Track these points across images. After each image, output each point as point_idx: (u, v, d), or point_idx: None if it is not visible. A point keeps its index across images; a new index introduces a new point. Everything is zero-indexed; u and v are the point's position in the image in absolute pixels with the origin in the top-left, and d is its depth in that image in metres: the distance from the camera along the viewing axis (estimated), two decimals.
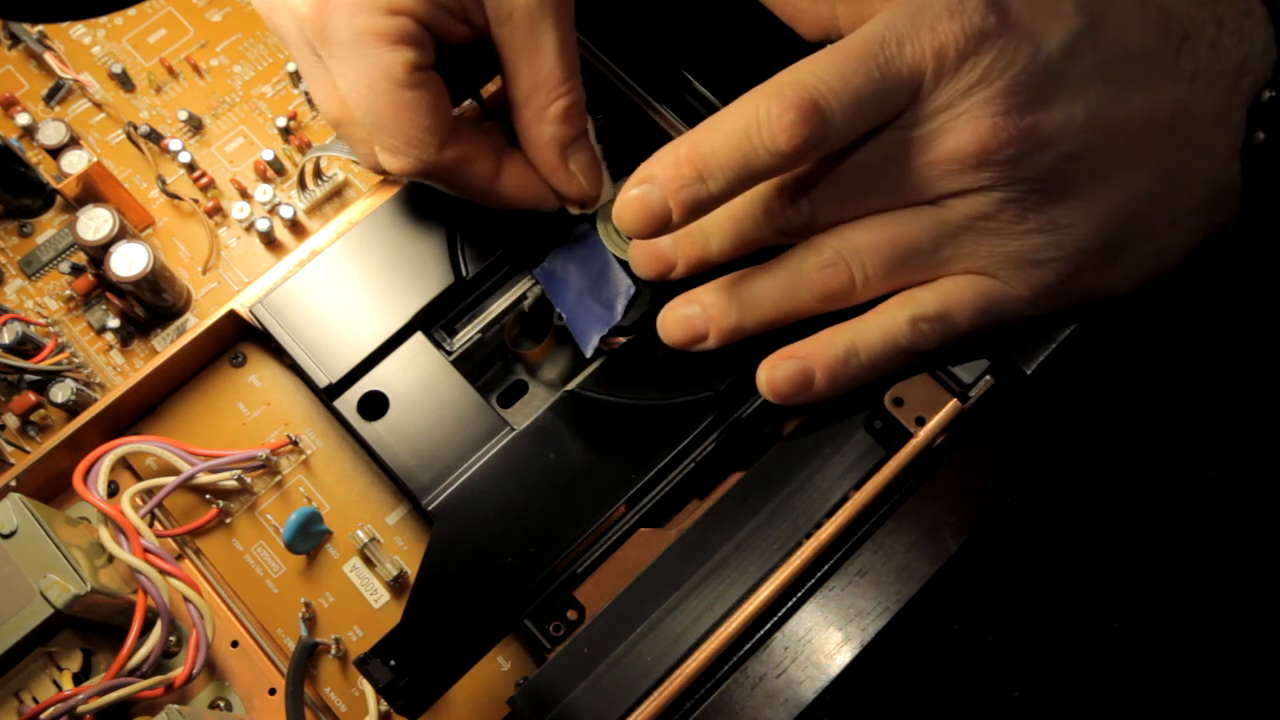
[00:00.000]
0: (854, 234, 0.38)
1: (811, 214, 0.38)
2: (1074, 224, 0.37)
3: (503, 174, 0.41)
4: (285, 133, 0.54)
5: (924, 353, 0.39)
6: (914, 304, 0.38)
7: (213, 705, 0.43)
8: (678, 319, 0.40)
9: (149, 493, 0.44)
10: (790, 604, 0.39)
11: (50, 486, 0.45)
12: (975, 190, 0.37)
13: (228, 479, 0.45)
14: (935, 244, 0.38)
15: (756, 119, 0.35)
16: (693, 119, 0.45)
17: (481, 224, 0.45)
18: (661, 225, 0.37)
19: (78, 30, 0.56)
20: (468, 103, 0.48)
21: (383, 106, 0.38)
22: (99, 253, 0.47)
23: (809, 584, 0.39)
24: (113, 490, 0.45)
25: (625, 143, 0.44)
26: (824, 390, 0.39)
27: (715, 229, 0.40)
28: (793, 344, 0.39)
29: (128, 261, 0.47)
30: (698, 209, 0.37)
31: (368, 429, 0.42)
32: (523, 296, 0.46)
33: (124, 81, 0.55)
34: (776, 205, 0.39)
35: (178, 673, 0.42)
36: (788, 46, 0.43)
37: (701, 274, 0.41)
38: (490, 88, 0.48)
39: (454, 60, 0.41)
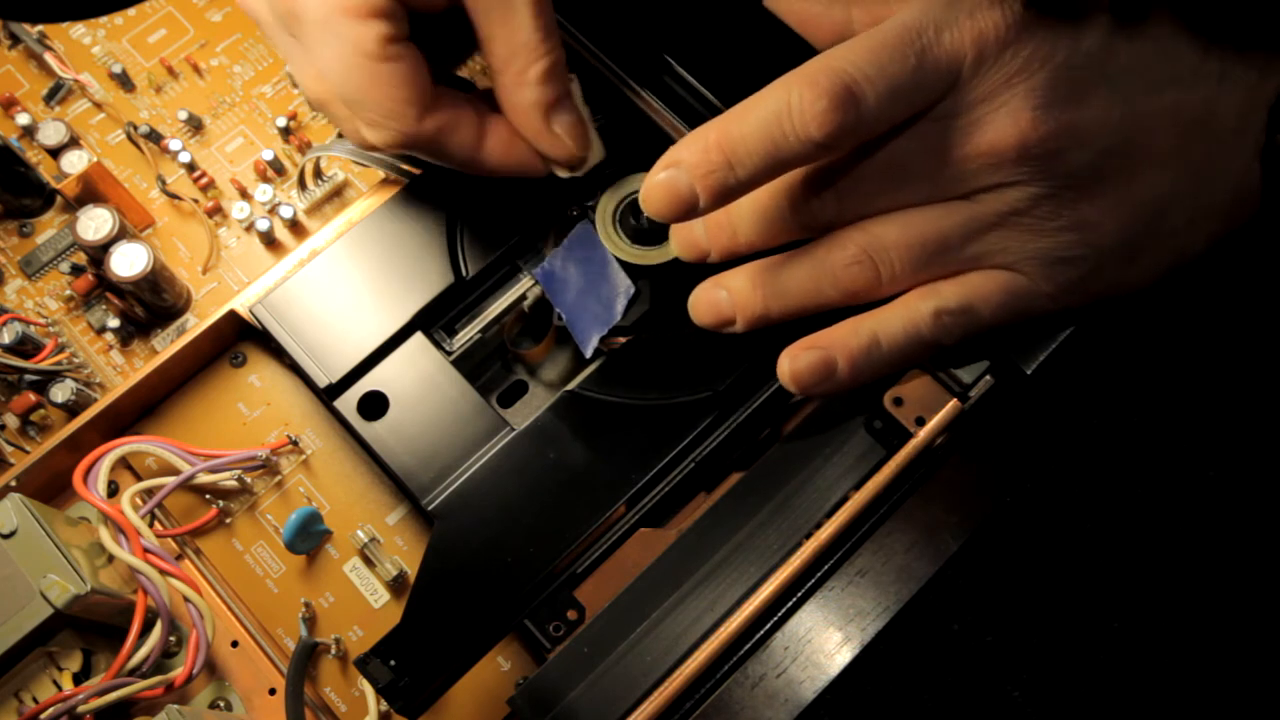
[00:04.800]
0: (882, 230, 0.38)
1: (839, 209, 0.38)
2: (1103, 221, 0.37)
3: (487, 141, 0.41)
4: (285, 133, 0.54)
5: (946, 345, 0.39)
6: (938, 297, 0.38)
7: (213, 705, 0.43)
8: (707, 302, 0.40)
9: (149, 493, 0.44)
10: (790, 604, 0.39)
11: (50, 486, 0.45)
12: (1010, 184, 0.36)
13: (228, 479, 0.45)
14: (965, 240, 0.37)
15: (788, 105, 0.34)
16: (686, 113, 0.45)
17: (482, 224, 0.45)
18: (688, 210, 0.37)
19: (78, 30, 0.56)
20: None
21: (358, 81, 0.38)
22: (99, 253, 0.47)
23: (809, 584, 0.39)
24: (113, 490, 0.45)
25: (617, 136, 0.44)
26: (845, 380, 0.38)
27: (742, 222, 0.39)
28: (815, 333, 0.39)
29: (128, 261, 0.47)
30: (725, 195, 0.36)
31: (368, 429, 0.42)
32: (523, 296, 0.45)
33: (124, 81, 0.55)
34: (804, 200, 0.38)
35: (178, 673, 0.42)
36: (790, 46, 0.43)
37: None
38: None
39: (437, 32, 0.40)
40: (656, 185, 0.37)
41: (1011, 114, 0.35)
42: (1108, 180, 0.36)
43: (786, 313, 0.39)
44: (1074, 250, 0.37)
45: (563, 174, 0.42)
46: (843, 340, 0.38)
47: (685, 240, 0.41)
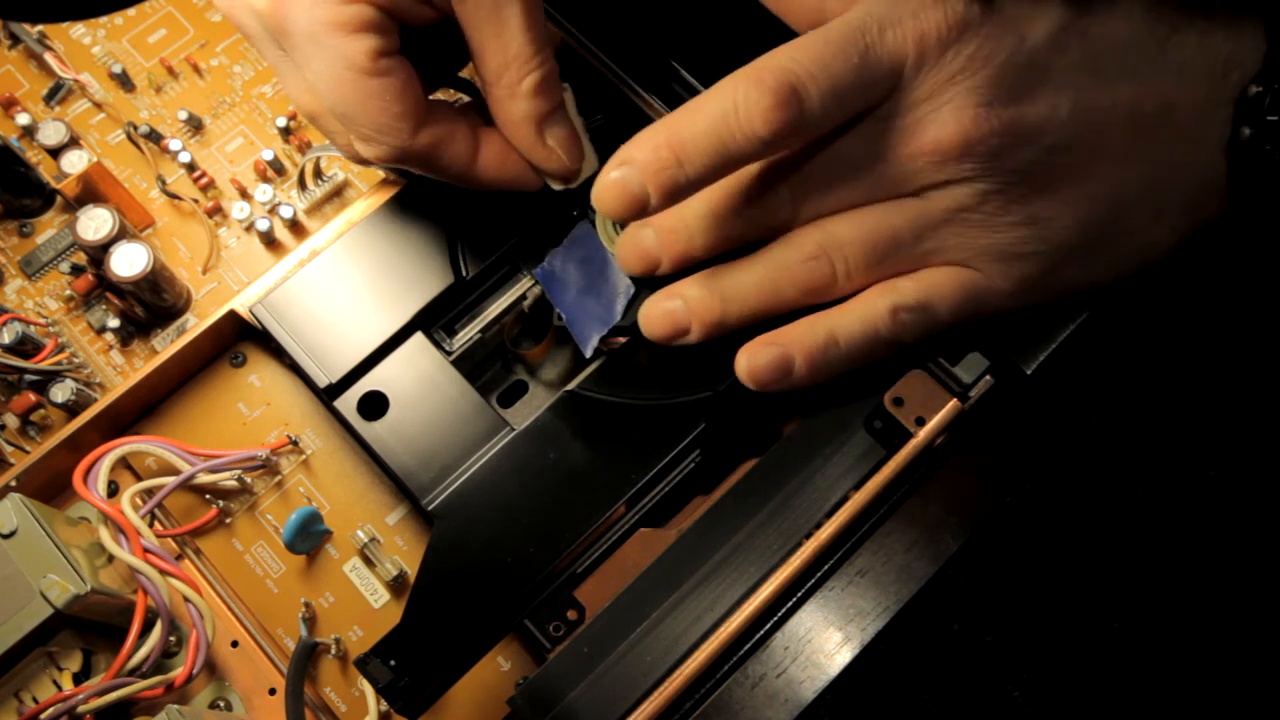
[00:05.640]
0: (835, 227, 0.38)
1: (793, 208, 0.38)
2: (1056, 217, 0.37)
3: (481, 154, 0.41)
4: (285, 133, 0.54)
5: (904, 343, 0.39)
6: (895, 294, 0.38)
7: (213, 705, 0.43)
8: (660, 313, 0.40)
9: (149, 493, 0.44)
10: (790, 604, 0.39)
11: (50, 486, 0.45)
12: (957, 182, 0.36)
13: (228, 479, 0.45)
14: (917, 236, 0.37)
15: (734, 103, 0.35)
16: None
17: (481, 224, 0.45)
18: (639, 209, 0.37)
19: (78, 30, 0.56)
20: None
21: (350, 96, 0.37)
22: (99, 253, 0.47)
23: (809, 584, 0.39)
24: (113, 490, 0.45)
25: (615, 135, 0.44)
26: (803, 378, 0.39)
27: (698, 225, 0.39)
28: (773, 330, 0.39)
29: (128, 261, 0.47)
30: (676, 193, 0.37)
31: (368, 429, 0.42)
32: (523, 296, 0.45)
33: (124, 81, 0.55)
34: (758, 199, 0.38)
35: (178, 673, 0.42)
36: (777, 34, 0.43)
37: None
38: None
39: (429, 44, 0.40)
40: (609, 184, 0.37)
41: (955, 112, 0.35)
42: (1060, 176, 0.36)
43: (744, 316, 0.39)
44: (1027, 246, 0.37)
45: (557, 186, 0.43)
46: (800, 337, 0.38)
47: (635, 251, 0.40)
